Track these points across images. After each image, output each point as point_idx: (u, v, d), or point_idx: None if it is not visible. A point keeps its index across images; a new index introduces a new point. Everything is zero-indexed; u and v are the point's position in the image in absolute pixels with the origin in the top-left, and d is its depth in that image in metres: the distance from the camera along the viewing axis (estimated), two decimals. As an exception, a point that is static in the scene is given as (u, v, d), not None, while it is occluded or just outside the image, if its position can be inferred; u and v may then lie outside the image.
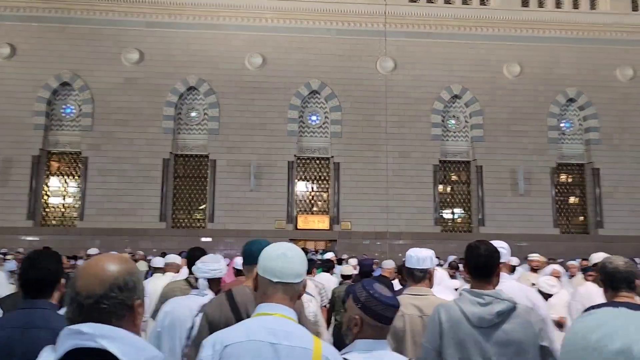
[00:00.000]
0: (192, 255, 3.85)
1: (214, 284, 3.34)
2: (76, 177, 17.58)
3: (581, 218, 19.31)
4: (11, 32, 17.45)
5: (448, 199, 18.99)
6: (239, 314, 2.36)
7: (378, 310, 1.83)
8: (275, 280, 1.72)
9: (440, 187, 18.76)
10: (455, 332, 2.28)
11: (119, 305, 1.20)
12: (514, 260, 8.40)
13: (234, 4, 18.24)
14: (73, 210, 17.47)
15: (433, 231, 17.83)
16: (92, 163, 17.15)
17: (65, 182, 17.67)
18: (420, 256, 2.96)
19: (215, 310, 2.44)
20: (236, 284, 2.93)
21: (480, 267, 2.40)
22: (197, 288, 3.33)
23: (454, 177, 19.18)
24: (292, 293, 1.75)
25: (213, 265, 3.34)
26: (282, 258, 1.74)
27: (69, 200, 17.62)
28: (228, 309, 2.40)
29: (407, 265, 2.97)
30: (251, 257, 2.49)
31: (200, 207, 17.96)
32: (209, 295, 3.16)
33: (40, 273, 2.06)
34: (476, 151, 18.68)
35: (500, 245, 3.14)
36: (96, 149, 17.19)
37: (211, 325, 2.35)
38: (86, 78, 17.53)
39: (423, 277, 2.93)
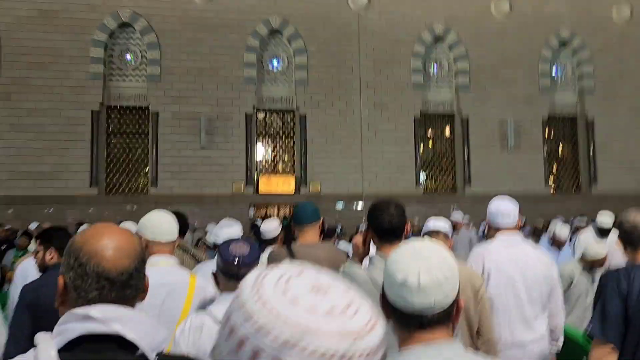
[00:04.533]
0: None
1: None
2: (-18, 134, 14.91)
3: (573, 175, 18.35)
4: None
5: (430, 157, 17.53)
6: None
7: (222, 269, 2.14)
8: (163, 240, 2.57)
9: (422, 142, 17.26)
10: None
11: (142, 281, 1.18)
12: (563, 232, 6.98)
13: None
14: (-21, 175, 14.88)
15: (414, 193, 16.38)
16: (2, 116, 14.53)
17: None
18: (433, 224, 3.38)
19: (277, 255, 3.04)
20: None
21: (393, 227, 2.34)
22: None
23: (436, 131, 17.67)
24: (171, 246, 2.61)
25: (230, 230, 3.80)
26: (162, 226, 2.59)
27: (-26, 163, 14.99)
28: (287, 257, 2.96)
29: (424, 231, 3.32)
30: (304, 217, 3.19)
31: (144, 171, 15.73)
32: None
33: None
34: (462, 102, 17.20)
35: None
36: (5, 98, 14.52)
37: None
38: (-11, 10, 14.68)
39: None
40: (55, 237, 3.10)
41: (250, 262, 2.09)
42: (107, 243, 1.11)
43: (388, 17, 16.81)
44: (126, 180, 15.61)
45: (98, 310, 1.05)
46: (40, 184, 14.44)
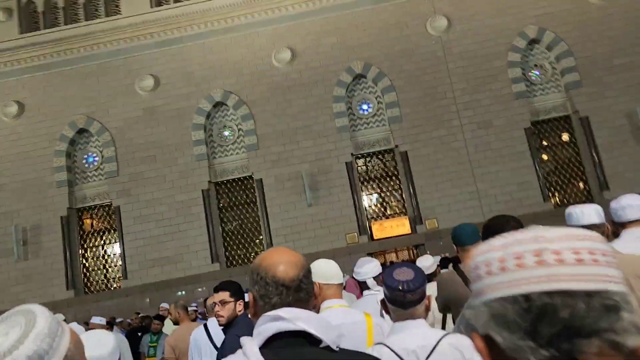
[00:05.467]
0: None
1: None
2: (112, 232, 16.26)
3: None
4: (16, 87, 16.68)
5: (553, 167, 15.92)
6: (467, 282, 2.87)
7: (388, 296, 2.08)
8: (334, 282, 2.70)
9: (540, 153, 15.79)
10: None
11: (311, 286, 1.44)
12: None
13: (246, 1, 16.59)
14: (115, 269, 16.10)
15: (544, 209, 14.83)
16: (125, 212, 15.75)
17: (102, 239, 16.40)
18: (581, 211, 2.86)
19: (447, 280, 3.19)
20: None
21: None
22: None
23: (554, 138, 16.11)
24: (341, 289, 2.74)
25: (369, 265, 3.97)
26: (329, 270, 2.74)
27: (110, 259, 16.29)
28: (459, 279, 2.97)
29: (569, 223, 2.84)
30: (466, 237, 3.01)
31: (259, 238, 16.02)
32: (381, 290, 3.48)
33: None
34: (575, 100, 15.60)
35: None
36: (126, 194, 15.81)
37: (447, 293, 3.14)
38: (102, 119, 16.35)
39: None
40: (241, 290, 3.47)
41: (416, 287, 2.02)
42: (278, 259, 1.40)
43: (473, 33, 16.06)
44: (244, 251, 15.96)
45: (285, 312, 1.27)
46: (167, 268, 15.22)
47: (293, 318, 1.25)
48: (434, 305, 3.69)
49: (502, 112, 15.54)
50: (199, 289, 14.74)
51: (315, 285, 2.63)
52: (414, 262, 14.16)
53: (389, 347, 2.01)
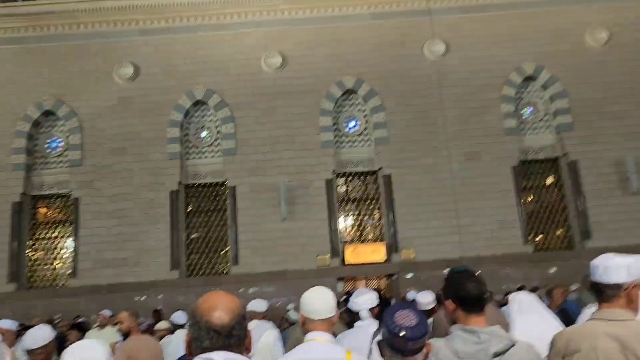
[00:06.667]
0: None
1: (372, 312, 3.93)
2: (67, 225, 15.16)
3: None
4: (-18, 58, 15.56)
5: (537, 209, 15.57)
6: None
7: (388, 340, 1.96)
8: (316, 318, 2.60)
9: (525, 194, 15.44)
10: None
11: (244, 332, 1.52)
12: None
13: (242, -1, 15.92)
14: (65, 266, 14.97)
15: (523, 251, 14.46)
16: (85, 205, 14.69)
17: (55, 231, 15.25)
18: (609, 265, 2.42)
19: (441, 321, 3.69)
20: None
21: (473, 297, 2.25)
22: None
23: (540, 180, 15.80)
24: (328, 323, 2.62)
25: (365, 297, 3.95)
26: (316, 304, 2.63)
27: (61, 254, 15.15)
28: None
29: (593, 278, 2.48)
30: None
31: (225, 249, 15.15)
32: (375, 322, 3.70)
33: None
34: (566, 143, 15.35)
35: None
36: (88, 186, 14.77)
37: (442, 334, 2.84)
38: (72, 103, 15.31)
39: (615, 294, 2.40)
40: None
41: (419, 336, 1.94)
42: (214, 304, 1.50)
43: (470, 61, 15.71)
44: (207, 261, 15.07)
45: (217, 355, 1.41)
46: (122, 270, 14.21)
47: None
48: None
49: (492, 146, 15.17)
50: (158, 297, 13.81)
51: (300, 316, 2.69)
52: (377, 291, 13.56)
53: None
